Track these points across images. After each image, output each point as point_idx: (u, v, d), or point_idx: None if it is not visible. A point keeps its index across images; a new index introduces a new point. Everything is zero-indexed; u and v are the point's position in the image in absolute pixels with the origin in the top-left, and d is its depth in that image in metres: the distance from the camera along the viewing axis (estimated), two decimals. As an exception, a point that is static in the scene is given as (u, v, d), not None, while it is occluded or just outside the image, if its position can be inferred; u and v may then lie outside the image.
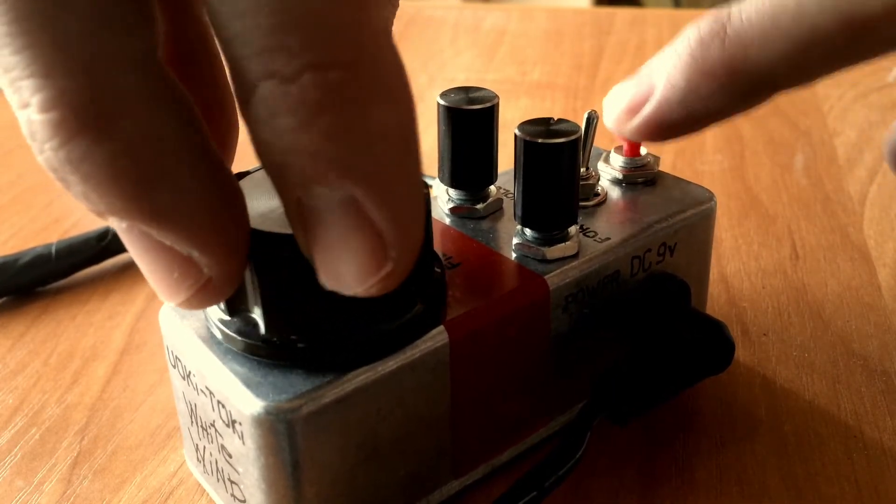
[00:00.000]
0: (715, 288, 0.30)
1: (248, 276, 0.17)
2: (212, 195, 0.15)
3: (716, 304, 0.29)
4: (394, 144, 0.14)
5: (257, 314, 0.18)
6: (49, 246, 0.31)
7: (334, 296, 0.17)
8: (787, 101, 0.45)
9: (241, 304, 0.18)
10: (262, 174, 0.19)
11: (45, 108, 0.13)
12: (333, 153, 0.13)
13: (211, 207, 0.15)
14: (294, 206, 0.14)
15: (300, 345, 0.18)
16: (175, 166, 0.14)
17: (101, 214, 0.14)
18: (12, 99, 0.14)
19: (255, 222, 0.17)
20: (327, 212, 0.14)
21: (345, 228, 0.14)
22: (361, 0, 0.13)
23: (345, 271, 0.15)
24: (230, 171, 0.16)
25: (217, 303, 0.17)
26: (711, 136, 0.42)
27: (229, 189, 0.15)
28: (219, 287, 0.15)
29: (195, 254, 0.15)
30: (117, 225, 0.15)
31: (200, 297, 0.15)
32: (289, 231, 0.16)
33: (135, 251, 0.15)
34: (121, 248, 0.32)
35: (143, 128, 0.14)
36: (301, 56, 0.13)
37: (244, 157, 0.19)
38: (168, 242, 0.15)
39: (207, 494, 0.22)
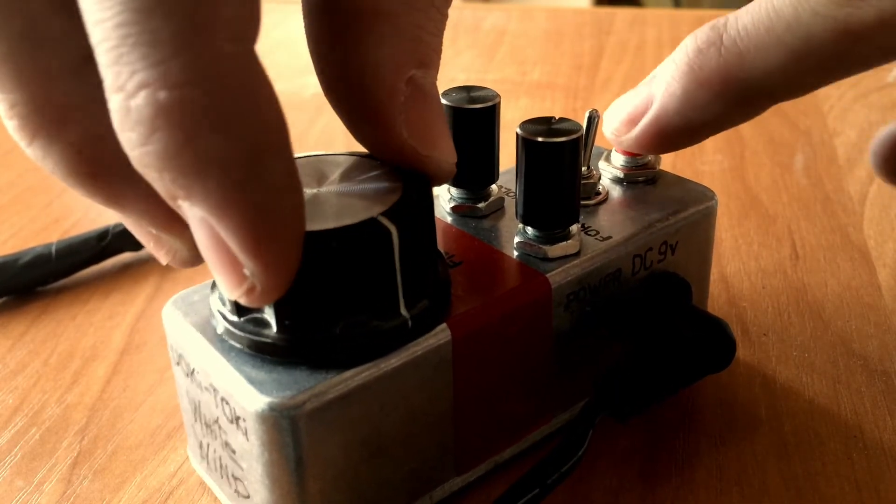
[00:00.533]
0: (715, 288, 0.30)
1: None
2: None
3: (716, 304, 0.29)
4: (228, 172, 0.14)
5: (266, 312, 0.18)
6: (49, 246, 0.31)
7: (338, 293, 0.17)
8: (787, 101, 0.45)
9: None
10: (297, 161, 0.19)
11: (6, 115, 0.16)
12: (172, 173, 0.14)
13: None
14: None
15: (304, 342, 0.18)
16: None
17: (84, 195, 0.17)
18: (109, 82, 0.14)
19: None
20: (192, 222, 0.15)
21: (202, 241, 0.15)
22: (203, 21, 0.13)
23: (217, 279, 0.15)
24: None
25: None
26: (711, 137, 0.42)
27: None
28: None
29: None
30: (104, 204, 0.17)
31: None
32: None
33: (132, 228, 0.18)
34: (121, 248, 0.32)
35: (89, 129, 0.16)
36: (140, 73, 0.13)
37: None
38: (145, 226, 0.17)
39: (207, 494, 0.22)
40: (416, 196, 0.18)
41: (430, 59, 0.18)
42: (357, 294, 0.18)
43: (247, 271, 0.15)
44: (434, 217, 0.19)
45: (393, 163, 0.19)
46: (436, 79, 0.19)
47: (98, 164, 0.16)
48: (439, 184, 0.20)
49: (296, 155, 0.20)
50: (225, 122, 0.13)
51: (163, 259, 0.18)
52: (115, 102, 0.13)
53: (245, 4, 0.14)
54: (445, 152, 0.19)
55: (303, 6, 0.18)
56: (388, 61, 0.17)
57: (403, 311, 0.19)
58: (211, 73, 0.13)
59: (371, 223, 0.17)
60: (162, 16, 0.13)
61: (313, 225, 0.17)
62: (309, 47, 0.18)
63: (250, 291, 0.15)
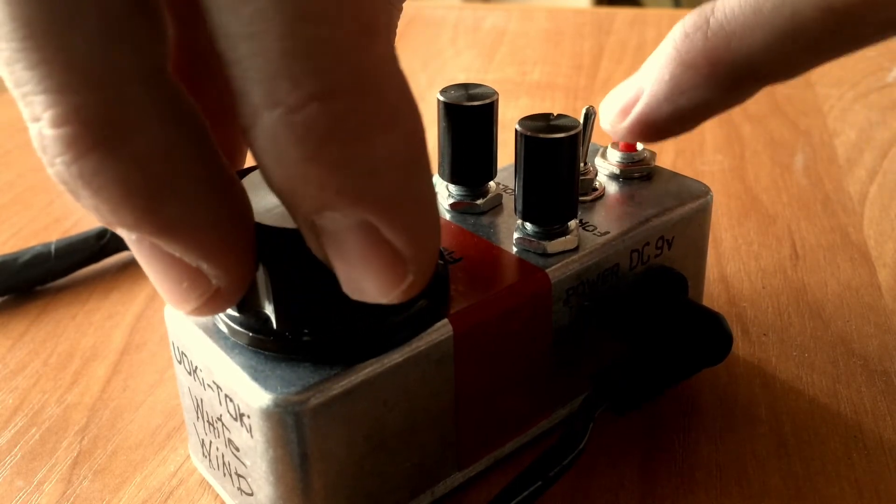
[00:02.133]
0: (715, 288, 0.30)
1: (257, 272, 0.18)
2: (220, 208, 0.15)
3: (716, 304, 0.29)
4: (401, 169, 0.14)
5: (267, 309, 0.18)
6: (48, 245, 0.31)
7: (341, 290, 0.17)
8: (787, 101, 0.45)
9: (250, 300, 0.18)
10: None
11: (58, 123, 0.13)
12: (342, 183, 0.13)
13: (219, 220, 0.15)
14: (308, 225, 0.15)
15: (307, 338, 0.18)
16: (185, 181, 0.14)
17: (110, 225, 0.14)
18: (24, 111, 0.14)
19: (264, 217, 0.17)
20: (343, 233, 0.14)
21: (362, 249, 0.14)
22: (366, 26, 0.13)
23: (367, 286, 0.15)
24: (239, 183, 0.16)
25: (225, 310, 0.17)
26: (711, 137, 0.42)
27: (238, 201, 0.15)
28: (227, 296, 0.16)
29: (204, 266, 0.15)
30: (126, 236, 0.15)
31: (210, 306, 0.16)
32: (281, 225, 0.17)
33: (144, 262, 0.15)
34: (120, 247, 0.32)
35: (154, 143, 0.14)
36: (306, 85, 0.13)
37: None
38: (177, 254, 0.15)
39: (208, 494, 0.22)
40: None
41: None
42: (325, 294, 0.18)
43: (412, 266, 0.15)
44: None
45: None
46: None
47: (159, 182, 0.14)
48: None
49: None
50: (391, 122, 0.13)
51: (193, 300, 0.16)
52: (270, 119, 0.13)
53: (388, 8, 0.14)
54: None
55: None
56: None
57: (406, 306, 0.19)
58: (377, 76, 0.13)
59: None
60: (328, 24, 0.13)
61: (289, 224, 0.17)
62: None
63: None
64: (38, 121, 0.13)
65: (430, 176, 0.15)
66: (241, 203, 0.16)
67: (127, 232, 0.15)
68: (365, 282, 0.15)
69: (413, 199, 0.14)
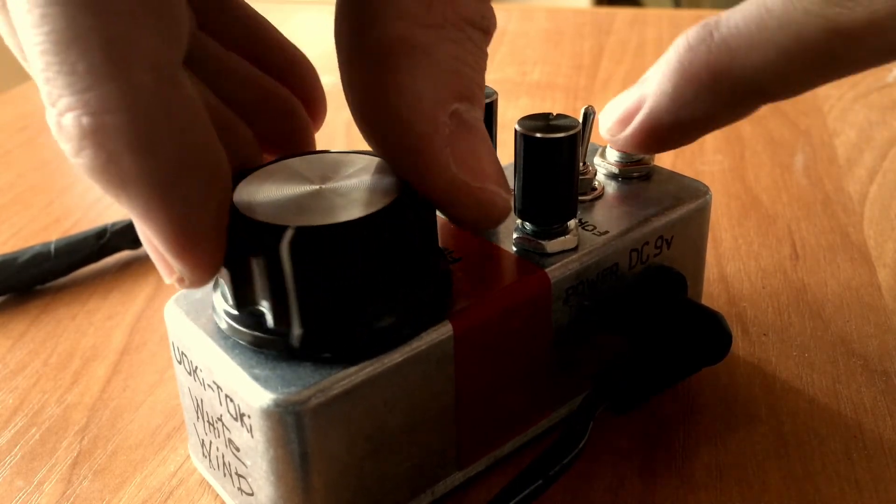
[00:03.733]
0: (715, 288, 0.30)
1: (256, 270, 0.18)
2: (203, 214, 0.16)
3: (716, 304, 0.29)
4: (148, 188, 0.15)
5: (265, 307, 0.18)
6: (48, 244, 0.31)
7: (341, 290, 0.17)
8: (787, 101, 0.45)
9: (250, 298, 0.18)
10: (278, 166, 0.20)
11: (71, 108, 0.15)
12: (101, 184, 0.15)
13: (195, 226, 0.16)
14: None
15: (308, 338, 0.18)
16: (188, 180, 0.16)
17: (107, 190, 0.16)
18: (43, 95, 0.15)
19: (267, 213, 0.17)
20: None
21: (139, 234, 0.16)
22: (121, 56, 0.14)
23: (157, 267, 0.17)
24: (228, 185, 0.17)
25: (195, 288, 0.18)
26: (711, 136, 0.42)
27: (216, 204, 0.16)
28: (189, 285, 0.17)
29: (168, 258, 0.16)
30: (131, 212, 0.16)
31: (179, 286, 0.17)
32: (296, 224, 0.17)
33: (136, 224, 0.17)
34: (119, 246, 0.32)
35: (174, 139, 0.15)
36: (64, 98, 0.14)
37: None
38: (149, 237, 0.16)
39: (208, 494, 0.22)
40: (416, 191, 0.18)
41: (471, 92, 0.18)
42: (361, 289, 0.18)
43: (176, 267, 0.17)
44: (435, 212, 0.19)
45: (444, 203, 0.18)
46: (481, 115, 0.18)
47: (168, 175, 0.16)
48: (494, 223, 0.19)
49: (297, 154, 0.21)
50: (144, 145, 0.15)
51: (166, 277, 0.18)
52: (50, 115, 0.15)
53: (162, 34, 0.15)
54: (499, 184, 0.18)
55: (335, 40, 0.18)
56: (427, 93, 0.17)
57: (406, 306, 0.19)
58: (128, 103, 0.14)
59: (374, 219, 0.17)
60: (78, 52, 0.14)
61: (317, 221, 0.17)
62: (342, 80, 0.18)
63: (180, 282, 0.17)
64: (54, 106, 0.15)
65: (195, 202, 0.16)
66: (216, 207, 0.16)
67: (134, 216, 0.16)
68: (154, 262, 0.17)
69: (165, 219, 0.16)
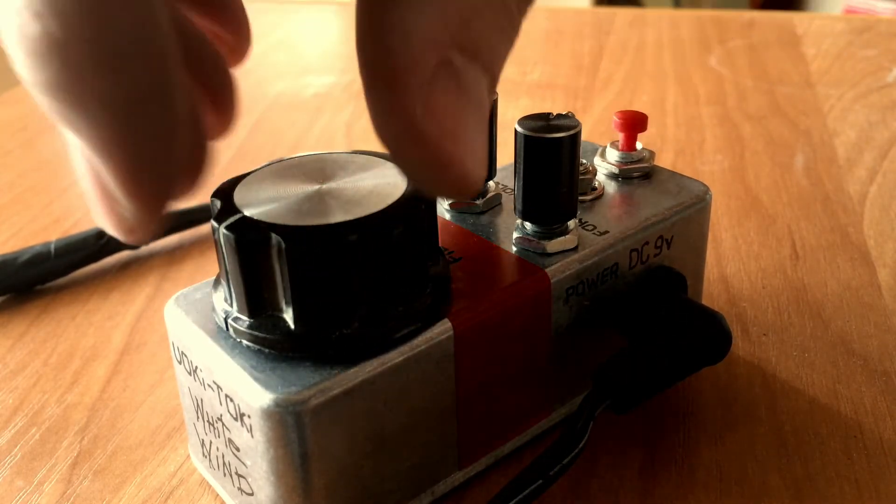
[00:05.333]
0: (715, 288, 0.30)
1: (257, 270, 0.18)
2: (162, 140, 0.14)
3: (716, 304, 0.29)
4: (110, 112, 0.14)
5: (267, 308, 0.18)
6: (48, 244, 0.31)
7: (342, 290, 0.17)
8: (787, 101, 0.45)
9: (251, 299, 0.18)
10: (278, 166, 0.20)
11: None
12: (59, 104, 0.14)
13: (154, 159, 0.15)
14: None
15: (308, 338, 0.18)
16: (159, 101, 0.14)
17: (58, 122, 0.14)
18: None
19: (267, 215, 0.17)
20: (70, 146, 0.15)
21: (82, 177, 0.15)
22: None
23: (94, 214, 0.16)
24: (183, 123, 0.15)
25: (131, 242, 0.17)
26: (711, 137, 0.42)
27: (172, 141, 0.15)
28: (133, 231, 0.16)
29: (120, 196, 0.15)
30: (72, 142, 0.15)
31: (125, 238, 0.16)
32: (296, 224, 0.17)
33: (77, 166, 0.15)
34: (119, 246, 0.32)
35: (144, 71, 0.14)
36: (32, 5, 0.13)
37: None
38: (102, 171, 0.15)
39: (208, 493, 0.22)
40: (419, 192, 0.18)
41: (478, 49, 0.16)
42: (362, 289, 0.18)
43: (124, 212, 0.15)
44: (436, 212, 0.20)
45: (397, 151, 0.16)
46: (486, 84, 0.16)
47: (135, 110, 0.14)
48: (449, 191, 0.17)
49: (298, 154, 0.21)
50: (110, 64, 0.13)
51: (107, 224, 0.16)
52: (12, 25, 0.13)
53: None
54: (467, 153, 0.16)
55: None
56: (422, 30, 0.15)
57: (406, 306, 0.19)
58: (102, 14, 0.13)
59: (376, 218, 0.17)
60: None
61: (318, 221, 0.17)
62: (356, 7, 0.16)
63: (128, 231, 0.15)
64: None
65: (159, 131, 0.14)
66: (175, 146, 0.15)
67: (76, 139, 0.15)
68: (91, 206, 0.15)
69: (125, 149, 0.14)
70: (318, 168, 0.19)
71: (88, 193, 0.15)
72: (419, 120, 0.16)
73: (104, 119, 0.14)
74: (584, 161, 0.24)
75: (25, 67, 0.13)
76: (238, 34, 0.20)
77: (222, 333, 0.19)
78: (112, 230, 0.16)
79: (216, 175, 0.17)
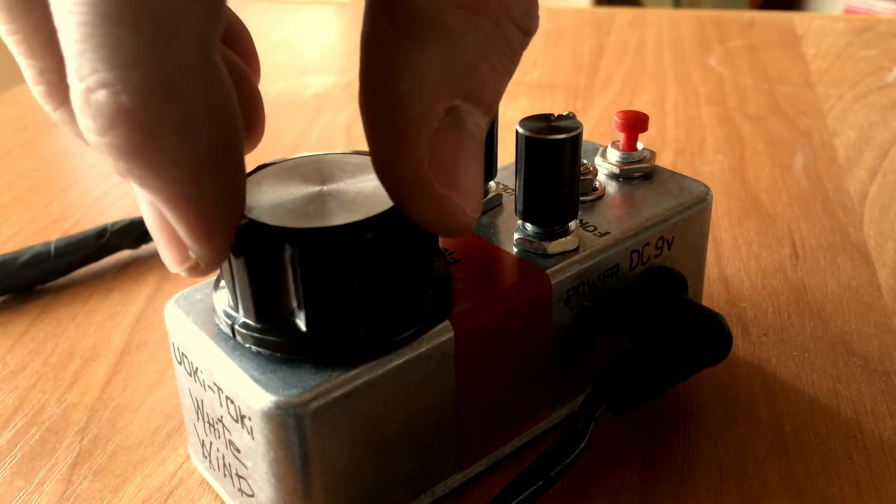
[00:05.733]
0: (715, 288, 0.30)
1: (258, 272, 0.18)
2: (226, 194, 0.15)
3: (716, 304, 0.29)
4: (180, 170, 0.14)
5: (268, 309, 0.18)
6: (48, 244, 0.31)
7: (343, 292, 0.17)
8: (787, 101, 0.45)
9: (253, 300, 0.18)
10: (278, 167, 0.20)
11: (35, 82, 0.15)
12: (128, 164, 0.14)
13: (218, 205, 0.15)
14: None
15: (309, 340, 0.18)
16: (220, 162, 0.15)
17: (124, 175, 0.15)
18: (71, 68, 0.14)
19: (267, 217, 0.17)
20: (139, 199, 0.16)
21: (150, 222, 0.16)
22: (169, 35, 0.13)
23: (161, 254, 0.16)
24: (243, 169, 0.16)
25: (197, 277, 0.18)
26: (711, 137, 0.42)
27: (240, 189, 0.16)
28: (202, 272, 0.16)
29: (188, 241, 0.16)
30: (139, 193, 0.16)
31: (188, 274, 0.17)
32: (297, 226, 0.17)
33: (146, 215, 0.16)
34: (119, 246, 0.32)
35: (211, 120, 0.14)
36: (100, 73, 0.13)
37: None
38: (172, 223, 0.15)
39: (208, 494, 0.22)
40: None
41: (482, 95, 0.16)
42: (362, 291, 0.18)
43: (192, 253, 0.16)
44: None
45: (402, 196, 0.17)
46: (485, 124, 0.17)
47: (196, 154, 0.15)
48: (447, 235, 0.18)
49: (298, 154, 0.21)
50: (182, 127, 0.14)
51: (175, 267, 0.17)
52: (76, 90, 0.14)
53: (209, 16, 0.14)
54: (467, 199, 0.17)
55: (365, 6, 0.16)
56: (433, 79, 0.15)
57: (406, 308, 0.19)
58: (174, 82, 0.14)
59: (376, 221, 0.17)
60: (127, 26, 0.13)
61: (318, 223, 0.17)
62: (361, 48, 0.16)
63: (193, 269, 0.16)
64: (83, 80, 0.14)
65: (225, 185, 0.15)
66: (240, 193, 0.16)
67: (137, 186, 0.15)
68: (161, 251, 0.16)
69: (194, 203, 0.15)
70: (317, 169, 0.19)
71: (157, 239, 0.16)
72: (426, 169, 0.16)
73: (175, 176, 0.14)
74: (585, 161, 0.24)
75: (93, 132, 0.14)
76: (250, 58, 0.21)
77: (223, 335, 0.19)
78: (180, 271, 0.16)
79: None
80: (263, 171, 0.20)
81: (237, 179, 0.16)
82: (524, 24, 0.16)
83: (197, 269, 0.16)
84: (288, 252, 0.17)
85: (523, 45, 0.16)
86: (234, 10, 0.21)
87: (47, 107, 0.17)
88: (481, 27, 0.15)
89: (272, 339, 0.18)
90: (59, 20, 0.13)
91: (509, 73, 0.17)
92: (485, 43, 0.16)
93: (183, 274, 0.16)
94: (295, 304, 0.18)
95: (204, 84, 0.14)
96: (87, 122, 0.14)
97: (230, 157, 0.15)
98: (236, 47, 0.21)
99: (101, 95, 0.13)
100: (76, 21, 0.13)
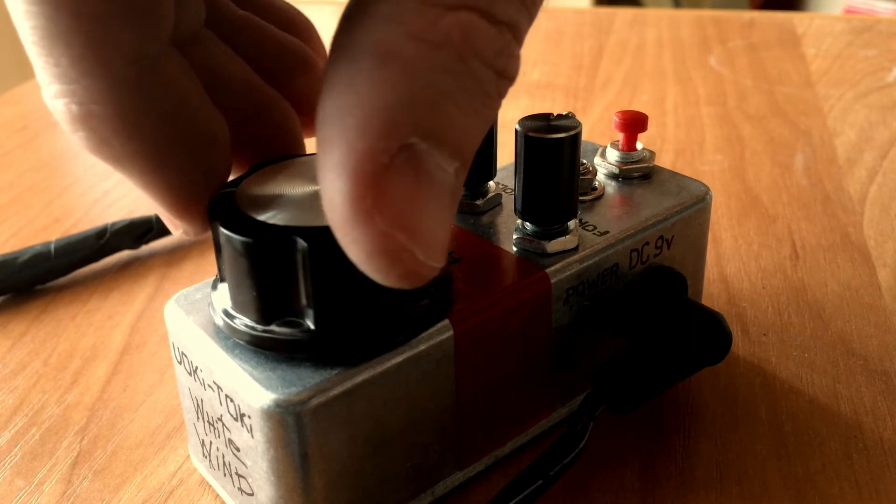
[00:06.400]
0: (715, 288, 0.30)
1: (258, 272, 0.18)
2: (202, 180, 0.18)
3: (716, 304, 0.29)
4: (134, 166, 0.18)
5: (269, 309, 0.18)
6: (48, 244, 0.31)
7: (343, 291, 0.17)
8: (787, 101, 0.45)
9: (254, 299, 0.18)
10: (278, 167, 0.20)
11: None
12: (103, 159, 0.17)
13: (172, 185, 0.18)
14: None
15: (308, 338, 0.18)
16: (177, 154, 0.17)
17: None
18: (38, 77, 0.16)
19: (267, 216, 0.17)
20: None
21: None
22: (95, 52, 0.16)
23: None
24: (211, 152, 0.18)
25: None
26: (711, 137, 0.42)
27: (208, 169, 0.18)
28: (192, 236, 0.19)
29: (172, 218, 0.19)
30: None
31: (185, 236, 0.20)
32: (296, 225, 0.17)
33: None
34: (119, 246, 0.32)
35: (158, 121, 0.17)
36: (53, 85, 0.16)
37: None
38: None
39: (208, 494, 0.22)
40: None
41: (445, 137, 0.15)
42: (362, 290, 0.18)
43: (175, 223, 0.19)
44: None
45: (340, 236, 0.15)
46: (452, 168, 0.15)
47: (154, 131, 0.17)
48: (398, 281, 0.15)
49: (298, 154, 0.21)
50: (130, 129, 0.17)
51: (171, 229, 0.20)
52: (45, 95, 0.16)
53: (140, 30, 0.16)
54: (421, 245, 0.15)
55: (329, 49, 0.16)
56: (382, 111, 0.14)
57: (407, 307, 0.19)
58: (111, 93, 0.16)
59: None
60: (61, 48, 0.15)
61: (318, 222, 0.17)
62: (321, 88, 0.15)
63: (185, 233, 0.19)
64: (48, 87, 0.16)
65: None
66: (209, 172, 0.18)
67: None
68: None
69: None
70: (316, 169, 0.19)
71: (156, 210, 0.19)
72: (368, 208, 0.14)
73: (137, 167, 0.17)
74: (585, 161, 0.24)
75: (67, 131, 0.16)
76: (312, 41, 0.23)
77: (222, 334, 0.19)
78: (177, 234, 0.20)
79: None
80: (266, 170, 0.20)
81: (203, 163, 0.18)
82: (497, 65, 0.15)
83: (188, 234, 0.19)
84: (299, 251, 0.17)
85: (499, 89, 0.15)
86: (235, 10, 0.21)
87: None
88: (441, 62, 0.14)
89: (275, 338, 0.18)
90: (21, 36, 0.15)
91: (482, 116, 0.15)
92: (446, 80, 0.14)
93: (183, 236, 0.20)
94: (304, 303, 0.18)
95: (143, 92, 0.16)
96: (60, 122, 0.16)
97: (192, 147, 0.17)
98: (300, 35, 0.23)
99: (58, 104, 0.16)
100: (28, 41, 0.15)
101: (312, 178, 0.19)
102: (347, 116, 0.14)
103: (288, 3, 0.23)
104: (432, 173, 0.15)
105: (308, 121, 0.22)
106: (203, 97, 0.18)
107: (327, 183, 0.15)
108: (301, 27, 0.23)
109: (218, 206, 0.18)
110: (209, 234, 0.19)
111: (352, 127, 0.14)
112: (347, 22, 0.15)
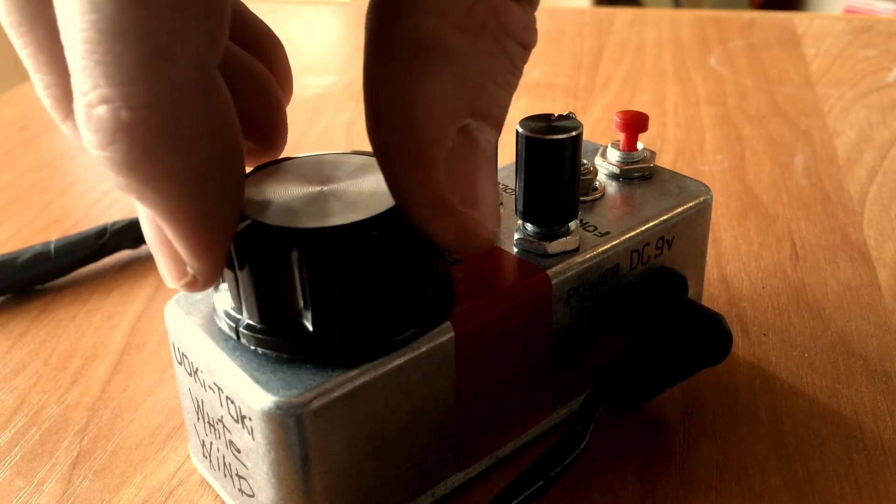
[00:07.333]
0: (715, 288, 0.30)
1: (259, 273, 0.18)
2: (223, 211, 0.16)
3: (716, 304, 0.29)
4: (179, 186, 0.15)
5: (269, 310, 0.18)
6: (48, 244, 0.31)
7: (344, 292, 0.17)
8: (787, 101, 0.45)
9: (255, 301, 0.18)
10: (278, 167, 0.20)
11: (43, 94, 0.16)
12: (127, 179, 0.14)
13: (216, 221, 0.16)
14: None
15: (313, 340, 0.18)
16: (216, 179, 0.15)
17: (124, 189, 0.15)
18: (75, 83, 0.14)
19: (267, 217, 0.17)
20: (139, 213, 0.16)
21: (149, 236, 0.16)
22: (169, 51, 0.14)
23: (160, 269, 0.17)
24: (241, 184, 0.16)
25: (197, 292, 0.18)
26: (711, 137, 0.42)
27: (237, 204, 0.16)
28: (200, 286, 0.17)
29: (186, 257, 0.16)
30: (140, 209, 0.16)
31: (187, 289, 0.17)
32: (297, 226, 0.17)
33: (146, 232, 0.17)
34: (119, 246, 0.32)
35: (209, 137, 0.15)
36: (101, 88, 0.14)
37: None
38: (171, 239, 0.16)
39: (208, 494, 0.22)
40: None
41: (490, 111, 0.17)
42: (363, 292, 0.18)
43: (189, 269, 0.16)
44: None
45: (422, 219, 0.17)
46: (495, 139, 0.17)
47: (195, 170, 0.15)
48: (469, 252, 0.18)
49: (298, 155, 0.21)
50: (180, 143, 0.14)
51: (172, 282, 0.17)
52: (79, 104, 0.14)
53: (208, 35, 0.14)
54: (487, 215, 0.17)
55: (365, 26, 0.17)
56: (443, 101, 0.16)
57: (407, 308, 0.19)
58: (171, 99, 0.14)
59: (376, 221, 0.17)
60: (127, 43, 0.13)
61: (319, 223, 0.17)
62: (364, 79, 0.16)
63: (191, 284, 0.17)
64: (85, 95, 0.14)
65: (222, 201, 0.15)
66: (237, 207, 0.16)
67: (143, 206, 0.15)
68: (159, 265, 0.17)
69: (192, 218, 0.15)
70: (317, 169, 0.19)
71: (156, 254, 0.16)
72: (445, 191, 0.16)
73: (172, 192, 0.15)
74: (585, 161, 0.24)
75: (94, 146, 0.14)
76: (277, 67, 0.22)
77: (223, 335, 0.19)
78: (178, 286, 0.17)
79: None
80: (264, 171, 0.20)
81: (235, 195, 0.16)
82: (524, 40, 0.16)
83: (195, 285, 0.17)
84: (296, 252, 0.17)
85: (524, 60, 0.17)
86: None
87: (55, 118, 0.17)
88: (483, 47, 0.16)
89: (277, 340, 0.18)
90: (65, 36, 0.14)
91: (513, 87, 0.17)
92: (488, 61, 0.16)
93: (181, 289, 0.17)
94: (301, 305, 0.18)
95: (202, 101, 0.14)
96: (88, 136, 0.14)
97: (228, 173, 0.15)
98: (263, 57, 0.21)
99: (102, 110, 0.14)
100: (80, 38, 0.13)
101: (311, 179, 0.19)
102: (412, 111, 0.16)
103: (258, 18, 0.22)
104: (484, 148, 0.17)
105: (256, 142, 0.21)
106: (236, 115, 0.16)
107: (402, 175, 0.16)
108: (267, 44, 0.22)
109: None
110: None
111: (418, 121, 0.16)
112: (383, 15, 0.16)
